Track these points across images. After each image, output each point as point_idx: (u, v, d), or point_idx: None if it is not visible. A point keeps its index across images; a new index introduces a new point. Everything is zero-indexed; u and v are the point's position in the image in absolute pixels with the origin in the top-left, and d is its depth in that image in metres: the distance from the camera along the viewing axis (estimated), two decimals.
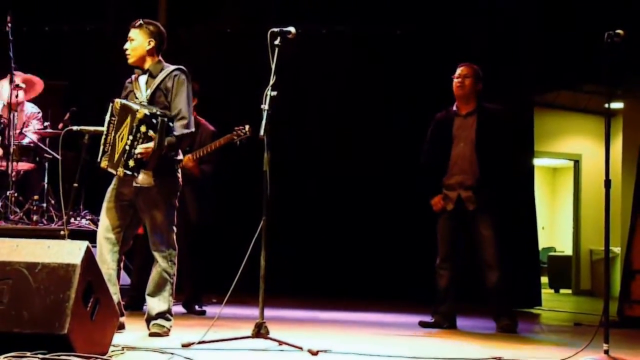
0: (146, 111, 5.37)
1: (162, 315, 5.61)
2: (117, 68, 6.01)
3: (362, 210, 10.38)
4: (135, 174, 5.38)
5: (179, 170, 5.73)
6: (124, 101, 5.52)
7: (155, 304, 5.62)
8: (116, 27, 9.96)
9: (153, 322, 5.59)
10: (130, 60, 5.70)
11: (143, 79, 5.70)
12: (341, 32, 10.49)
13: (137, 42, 5.67)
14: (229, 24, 10.62)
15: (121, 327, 5.54)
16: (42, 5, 10.40)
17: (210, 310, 7.47)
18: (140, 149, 5.34)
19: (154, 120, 5.36)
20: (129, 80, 5.80)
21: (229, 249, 7.13)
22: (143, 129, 5.34)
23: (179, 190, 5.72)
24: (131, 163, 5.35)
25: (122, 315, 5.65)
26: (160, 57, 5.74)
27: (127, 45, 5.69)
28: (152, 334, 5.52)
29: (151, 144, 5.36)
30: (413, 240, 9.74)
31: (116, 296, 5.52)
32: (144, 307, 5.89)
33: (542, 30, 9.98)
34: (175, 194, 5.67)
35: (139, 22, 5.71)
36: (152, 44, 5.68)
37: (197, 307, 7.44)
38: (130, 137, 5.35)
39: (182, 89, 5.63)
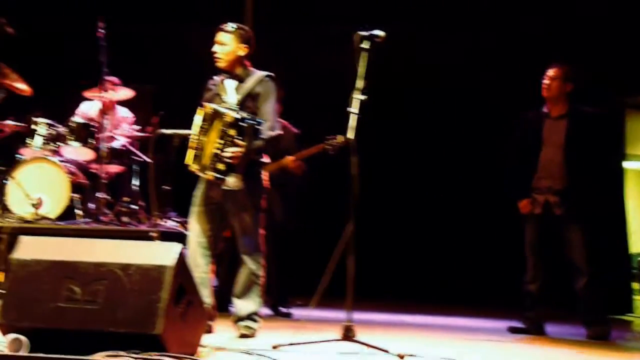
0: (235, 115, 5.42)
1: (249, 316, 5.66)
2: (203, 71, 6.06)
3: (449, 213, 10.32)
4: (225, 177, 5.44)
5: (263, 173, 5.78)
6: (214, 105, 5.57)
7: (243, 306, 5.67)
8: (202, 30, 10.09)
9: (241, 323, 5.65)
10: (220, 64, 5.73)
11: (231, 83, 5.74)
12: (427, 33, 10.44)
13: (230, 47, 5.70)
14: (316, 25, 10.64)
15: (211, 329, 5.61)
16: (130, 9, 10.57)
17: (296, 312, 7.51)
18: (229, 152, 5.40)
19: (243, 124, 5.41)
20: (212, 82, 5.84)
21: (315, 251, 7.16)
22: (232, 132, 5.40)
23: (265, 193, 5.76)
24: (220, 166, 5.41)
25: (214, 318, 5.71)
26: (248, 62, 5.79)
27: (217, 49, 5.71)
28: (240, 335, 5.57)
29: (240, 148, 5.40)
30: (500, 243, 9.63)
31: (209, 299, 5.59)
32: (230, 309, 5.94)
33: (634, 30, 9.79)
34: (261, 196, 5.72)
35: (231, 27, 5.74)
36: (245, 50, 5.72)
37: (283, 310, 7.49)
38: (220, 141, 5.40)
39: (270, 95, 5.69)
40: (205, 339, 4.64)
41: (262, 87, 5.68)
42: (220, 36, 5.72)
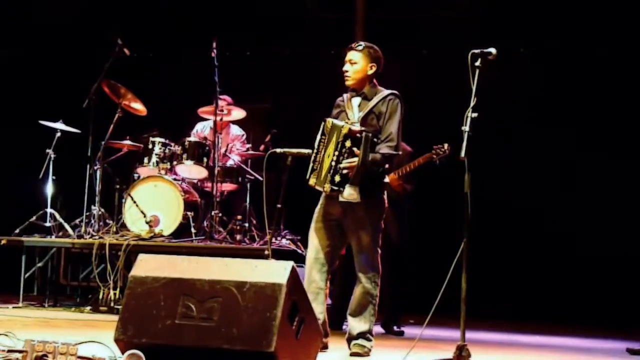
0: (351, 126, 5.43)
1: (363, 335, 5.63)
2: (315, 91, 6.11)
3: (562, 231, 10.12)
4: (341, 189, 5.44)
5: (385, 193, 5.76)
6: (334, 120, 5.60)
7: (356, 324, 5.65)
8: (314, 51, 10.18)
9: (354, 342, 5.62)
10: (349, 83, 5.74)
11: (356, 100, 5.75)
12: (539, 50, 10.30)
13: (359, 65, 5.70)
14: (425, 45, 10.62)
15: (325, 347, 5.61)
16: (244, 30, 10.73)
17: (408, 331, 7.46)
18: (344, 163, 5.41)
19: (358, 135, 5.42)
20: (340, 99, 5.86)
21: (428, 269, 7.11)
22: (348, 144, 5.40)
23: (385, 212, 5.74)
24: (337, 178, 5.42)
25: (327, 336, 5.71)
26: (376, 81, 5.80)
27: (347, 67, 5.72)
28: (353, 354, 5.55)
29: (355, 159, 5.41)
30: (617, 261, 9.41)
31: (322, 315, 5.60)
32: (344, 327, 5.94)
33: None
34: (381, 215, 5.69)
35: (361, 45, 5.74)
36: (374, 68, 5.72)
37: (395, 328, 7.46)
38: (336, 153, 5.42)
39: (395, 113, 5.66)
40: (319, 357, 4.63)
41: (385, 105, 5.67)
42: (350, 55, 5.74)
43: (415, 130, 8.29)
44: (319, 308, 5.57)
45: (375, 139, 5.49)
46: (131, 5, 10.64)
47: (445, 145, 7.02)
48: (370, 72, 5.71)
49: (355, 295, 5.66)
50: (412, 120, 8.86)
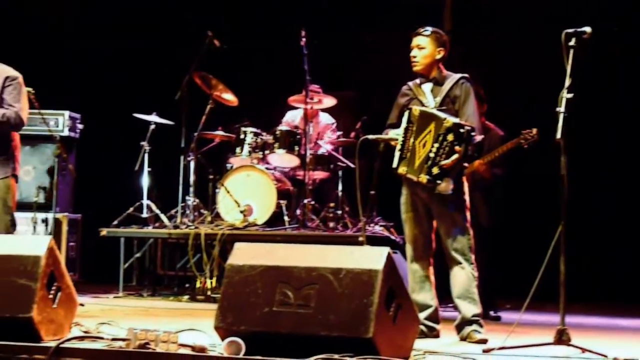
0: (455, 120, 5.39)
1: (476, 320, 5.56)
2: (403, 76, 6.07)
3: None
4: (438, 182, 5.41)
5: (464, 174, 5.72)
6: (423, 108, 5.57)
7: (467, 307, 5.56)
8: (402, 35, 10.09)
9: (469, 328, 5.54)
10: (417, 68, 5.74)
11: (427, 86, 5.73)
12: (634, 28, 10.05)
13: (428, 50, 5.69)
14: (514, 27, 10.45)
15: (437, 336, 5.59)
16: (330, 17, 10.72)
17: (504, 316, 7.38)
18: (448, 159, 5.36)
19: (461, 130, 5.37)
20: (406, 87, 5.84)
21: (525, 253, 7.01)
22: (450, 137, 5.35)
23: (466, 194, 5.70)
24: (435, 170, 5.38)
25: (438, 323, 5.69)
26: (443, 66, 5.76)
27: (415, 53, 5.72)
28: (470, 340, 5.46)
29: (457, 155, 5.37)
30: None
31: (433, 302, 5.65)
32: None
33: None
34: (464, 196, 5.65)
35: (429, 30, 5.72)
36: (442, 53, 5.71)
37: (492, 313, 7.38)
38: (436, 145, 5.38)
39: (470, 97, 5.65)
40: (429, 343, 4.62)
41: (459, 89, 5.65)
42: (418, 40, 5.72)
43: (504, 114, 8.22)
44: (428, 295, 5.62)
45: (472, 133, 5.44)
46: None
47: (534, 130, 6.91)
48: (438, 56, 5.70)
49: (458, 279, 5.59)
50: (501, 104, 8.80)
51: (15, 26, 10.33)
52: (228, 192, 8.37)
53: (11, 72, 6.24)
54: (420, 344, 4.76)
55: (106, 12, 10.66)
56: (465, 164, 5.64)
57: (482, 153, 7.11)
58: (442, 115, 5.44)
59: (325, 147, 8.80)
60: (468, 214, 5.66)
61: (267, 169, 8.56)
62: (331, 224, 8.44)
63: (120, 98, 9.99)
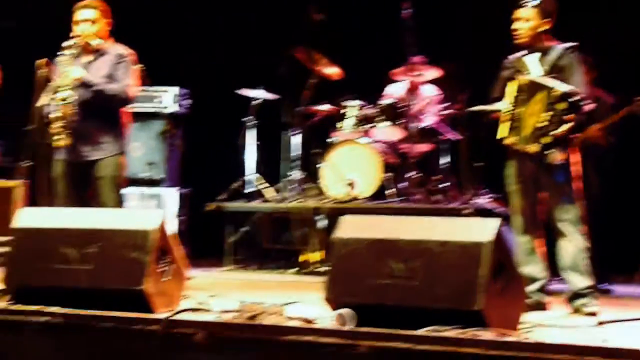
0: (564, 89, 5.29)
1: (591, 292, 5.46)
2: (507, 47, 5.96)
3: None
4: (548, 152, 5.33)
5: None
6: (532, 77, 5.48)
7: (579, 279, 5.46)
8: (504, 5, 9.89)
9: (581, 300, 5.43)
10: (521, 41, 5.63)
11: (531, 57, 5.62)
12: None
13: (533, 22, 5.56)
14: None
15: (543, 308, 5.51)
16: None
17: (617, 289, 7.23)
18: (559, 129, 5.27)
19: (571, 99, 5.27)
20: (508, 60, 5.75)
21: (636, 225, 6.85)
22: (560, 106, 5.26)
23: (576, 164, 5.59)
24: (545, 140, 5.30)
25: (548, 295, 5.61)
26: (549, 36, 5.64)
27: (518, 25, 5.60)
28: (576, 312, 5.40)
29: (568, 124, 5.27)
30: None
31: (542, 274, 5.56)
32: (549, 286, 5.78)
33: None
34: (574, 167, 5.55)
35: (534, 2, 5.60)
36: (548, 24, 5.58)
37: (603, 286, 7.23)
38: (546, 115, 5.29)
39: (577, 66, 5.54)
40: (542, 315, 4.56)
41: (566, 59, 5.54)
42: (522, 12, 5.60)
43: (614, 80, 8.01)
44: (537, 268, 5.54)
45: (581, 102, 5.32)
46: None
47: None
48: (544, 28, 5.56)
49: (568, 251, 5.49)
50: (611, 70, 8.57)
51: (124, 3, 10.51)
52: (332, 166, 8.39)
53: (123, 49, 6.36)
54: (529, 316, 4.69)
55: None
56: (576, 134, 5.53)
57: (592, 121, 6.96)
58: (551, 83, 5.34)
59: (429, 120, 8.73)
60: (578, 184, 5.55)
61: (371, 142, 8.55)
62: (436, 197, 8.40)
63: (226, 73, 10.08)
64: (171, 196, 9.07)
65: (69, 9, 6.32)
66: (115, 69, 6.26)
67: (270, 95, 9.03)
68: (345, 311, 4.11)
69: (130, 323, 4.32)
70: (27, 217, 4.95)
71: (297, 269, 8.39)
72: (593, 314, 5.23)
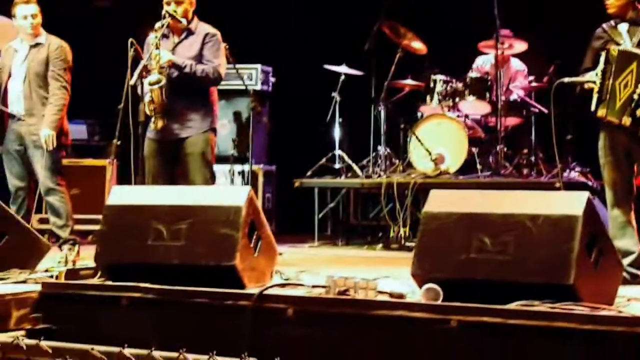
0: None
1: None
2: (597, 17, 5.84)
3: None
4: None
5: None
6: (622, 48, 5.36)
7: None
8: None
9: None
10: (611, 11, 5.54)
11: (623, 27, 5.50)
12: None
13: None
14: None
15: (638, 281, 5.40)
16: None
17: None
18: None
19: None
20: (600, 30, 5.63)
21: None
22: None
23: None
24: (639, 112, 5.19)
25: None
26: (637, 4, 5.51)
27: None
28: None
29: None
30: None
31: (637, 248, 5.43)
32: None
33: None
34: None
35: None
36: None
37: None
38: (638, 85, 5.18)
39: None
40: (627, 289, 4.49)
41: None
42: None
43: None
44: (631, 242, 5.43)
45: None
46: None
47: None
48: None
49: None
50: None
51: None
52: (419, 140, 8.35)
53: (210, 29, 6.43)
54: (623, 290, 4.61)
55: None
56: None
57: None
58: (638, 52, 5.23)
59: (517, 93, 8.63)
60: None
61: (458, 116, 8.49)
62: (525, 171, 8.31)
63: (311, 50, 10.10)
64: (258, 173, 9.15)
65: None
66: (204, 49, 6.34)
67: (354, 71, 9.02)
68: (432, 286, 4.10)
69: (221, 298, 4.37)
70: (119, 195, 5.02)
71: (385, 244, 8.39)
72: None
